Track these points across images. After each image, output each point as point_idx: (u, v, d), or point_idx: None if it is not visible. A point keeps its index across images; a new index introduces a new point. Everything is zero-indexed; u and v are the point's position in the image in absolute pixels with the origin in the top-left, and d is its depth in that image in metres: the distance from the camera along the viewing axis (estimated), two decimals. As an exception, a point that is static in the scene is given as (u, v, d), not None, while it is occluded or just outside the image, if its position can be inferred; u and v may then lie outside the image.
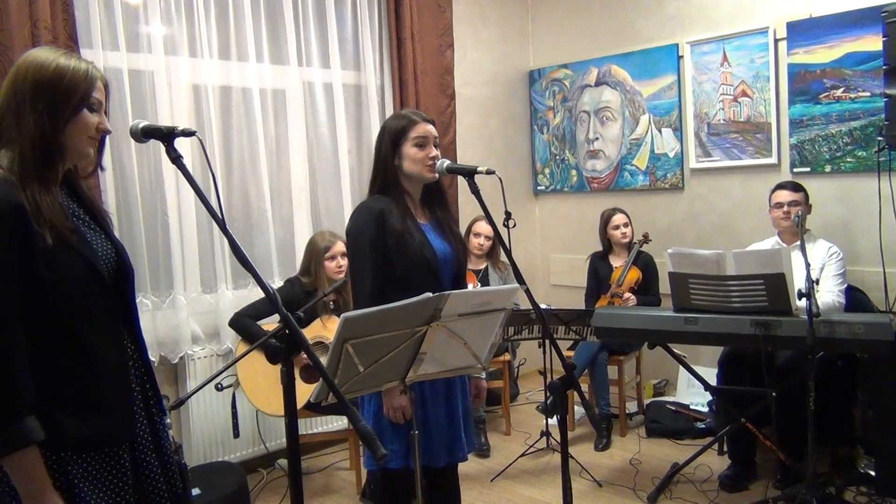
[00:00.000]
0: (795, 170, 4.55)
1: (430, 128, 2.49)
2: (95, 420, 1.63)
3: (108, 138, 1.77)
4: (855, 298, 3.95)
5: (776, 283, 3.25)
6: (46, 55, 1.65)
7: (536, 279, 6.05)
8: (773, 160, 4.67)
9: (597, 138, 5.66)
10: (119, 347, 1.71)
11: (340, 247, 3.93)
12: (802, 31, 4.44)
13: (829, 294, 3.72)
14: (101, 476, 1.65)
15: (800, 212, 3.76)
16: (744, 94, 4.78)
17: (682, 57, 5.07)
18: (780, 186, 4.00)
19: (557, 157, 5.95)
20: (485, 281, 4.61)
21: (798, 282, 3.22)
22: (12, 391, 1.51)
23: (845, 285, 3.83)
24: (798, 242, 3.59)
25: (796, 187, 3.94)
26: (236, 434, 3.82)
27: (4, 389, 1.50)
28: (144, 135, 1.71)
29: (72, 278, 1.60)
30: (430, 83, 5.01)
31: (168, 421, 1.91)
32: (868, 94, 4.22)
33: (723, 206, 4.99)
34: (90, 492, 1.61)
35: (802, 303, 3.11)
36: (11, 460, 1.50)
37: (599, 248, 4.91)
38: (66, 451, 1.59)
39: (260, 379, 3.73)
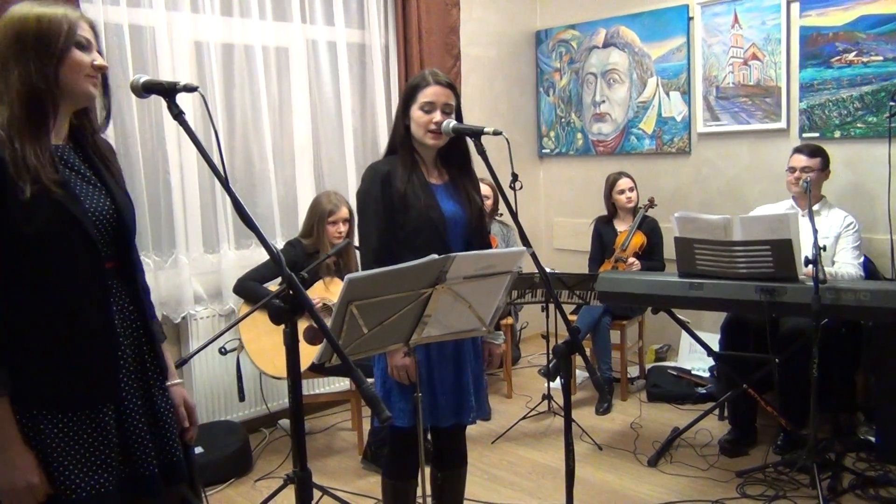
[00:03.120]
0: (805, 135, 4.50)
1: (443, 91, 2.41)
2: (70, 380, 1.60)
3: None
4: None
5: (783, 250, 3.22)
6: (22, 9, 1.63)
7: (540, 243, 6.03)
8: (782, 125, 4.62)
9: (603, 101, 5.59)
10: (103, 307, 1.66)
11: (344, 212, 3.89)
12: (816, -7, 4.36)
13: (847, 266, 3.69)
14: (80, 437, 1.62)
15: (808, 178, 3.71)
16: (754, 57, 4.70)
17: (692, 18, 4.98)
18: (796, 150, 3.94)
19: (563, 120, 5.89)
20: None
21: (807, 249, 3.19)
22: None
23: (862, 257, 3.80)
24: (814, 207, 3.57)
25: (813, 152, 3.87)
26: (242, 398, 3.82)
27: None
28: (146, 90, 1.66)
29: (51, 233, 1.57)
30: (434, 43, 4.93)
31: (178, 381, 1.90)
32: (881, 58, 4.15)
33: (730, 171, 4.95)
34: (63, 451, 1.59)
35: (809, 269, 3.09)
36: None
37: (604, 212, 4.88)
38: (39, 409, 1.57)
39: (263, 341, 3.72)
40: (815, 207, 3.70)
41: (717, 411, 4.12)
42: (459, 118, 2.49)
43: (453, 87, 2.47)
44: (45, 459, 1.57)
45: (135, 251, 1.78)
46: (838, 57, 4.32)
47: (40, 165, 1.55)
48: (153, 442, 1.74)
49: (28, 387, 1.56)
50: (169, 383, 1.87)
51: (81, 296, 1.62)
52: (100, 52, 1.69)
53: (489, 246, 2.65)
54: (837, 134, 4.38)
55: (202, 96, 1.66)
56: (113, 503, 1.64)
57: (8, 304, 1.55)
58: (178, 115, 1.63)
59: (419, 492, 2.47)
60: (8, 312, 1.55)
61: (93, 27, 1.69)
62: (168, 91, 1.64)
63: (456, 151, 2.53)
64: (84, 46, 1.64)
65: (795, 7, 4.48)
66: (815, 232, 3.17)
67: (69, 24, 1.62)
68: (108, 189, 1.72)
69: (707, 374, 4.67)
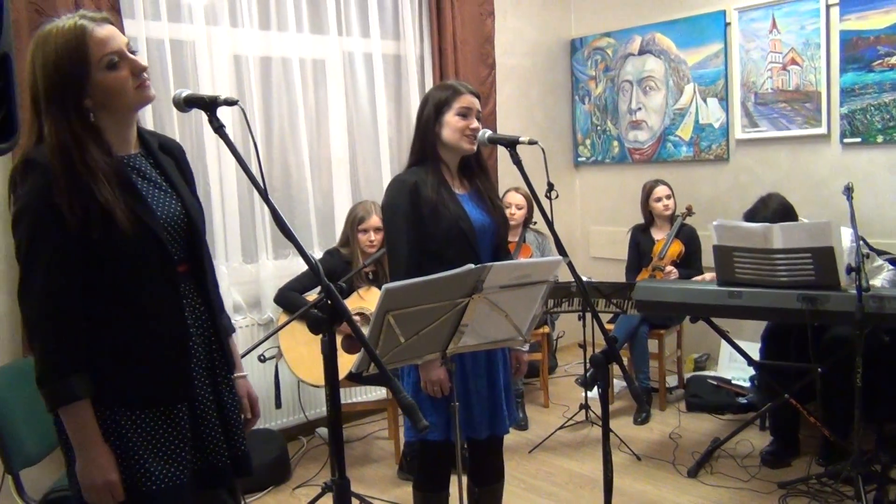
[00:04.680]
0: (846, 140, 4.42)
1: (475, 100, 2.47)
2: (148, 379, 1.68)
3: (150, 107, 1.80)
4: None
5: (824, 257, 3.17)
6: (44, 44, 1.61)
7: (576, 252, 6.00)
8: (822, 130, 4.54)
9: (639, 108, 5.56)
10: (176, 310, 1.73)
11: (375, 221, 3.90)
12: (856, -4, 4.29)
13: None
14: (156, 432, 1.69)
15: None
16: (793, 62, 4.64)
17: (729, 24, 4.93)
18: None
19: (599, 128, 5.86)
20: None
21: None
22: (59, 350, 1.59)
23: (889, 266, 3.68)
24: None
25: (774, 216, 3.56)
26: (278, 405, 3.86)
27: (52, 348, 1.59)
28: (187, 104, 1.71)
29: (126, 241, 1.63)
30: (469, 52, 4.95)
31: (243, 373, 1.98)
32: (925, 61, 4.07)
33: (769, 178, 4.87)
34: (143, 447, 1.66)
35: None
36: (63, 413, 1.60)
37: (641, 220, 4.85)
38: (119, 406, 1.65)
39: (302, 349, 3.76)
40: None
41: (758, 421, 4.06)
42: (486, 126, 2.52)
43: (479, 95, 2.54)
44: (125, 453, 1.65)
45: (205, 251, 1.84)
46: (880, 60, 4.24)
47: (100, 192, 1.60)
48: (223, 435, 1.81)
49: (108, 386, 1.64)
50: (236, 375, 1.96)
51: (156, 300, 1.70)
52: (130, 49, 1.68)
53: (509, 253, 2.66)
54: (880, 139, 4.30)
55: (242, 109, 1.69)
56: (187, 494, 1.72)
57: (89, 310, 1.63)
58: (218, 128, 1.67)
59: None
60: (89, 317, 1.63)
61: (109, 21, 1.67)
62: (209, 105, 1.68)
63: (475, 160, 2.57)
64: (115, 63, 1.64)
65: (835, 11, 4.41)
66: (858, 239, 3.12)
67: (79, 60, 1.60)
68: (179, 193, 1.78)
69: (748, 384, 4.59)
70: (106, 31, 1.64)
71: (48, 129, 1.60)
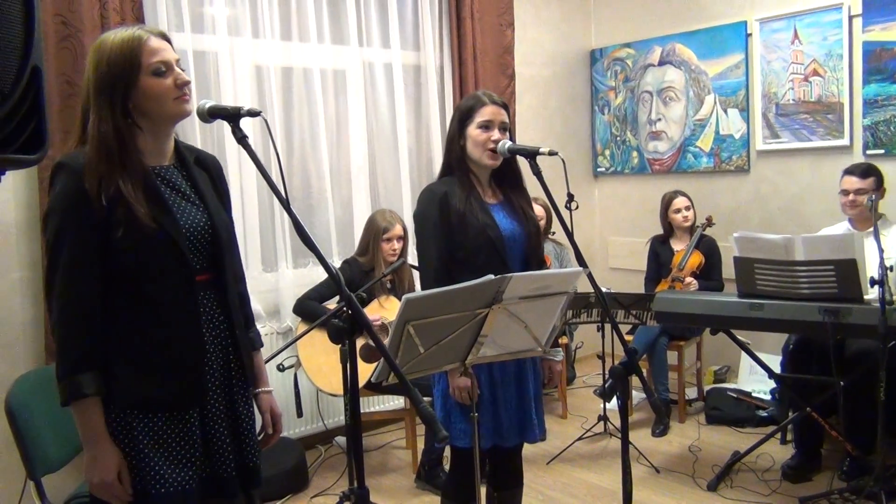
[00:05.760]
0: (869, 152, 4.38)
1: (498, 111, 2.46)
2: (161, 383, 1.71)
3: None
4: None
5: (847, 270, 3.14)
6: (101, 47, 1.72)
7: (595, 262, 5.98)
8: (844, 142, 4.51)
9: (659, 119, 5.54)
10: (193, 317, 1.76)
11: (398, 230, 3.92)
12: (879, 7, 4.25)
13: None
14: (167, 437, 1.72)
15: (872, 196, 3.59)
16: (815, 73, 4.61)
17: (750, 35, 4.91)
18: (847, 171, 3.79)
19: (618, 139, 5.85)
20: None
21: (871, 270, 3.10)
22: (72, 347, 1.65)
23: None
24: (871, 228, 3.46)
25: (866, 173, 3.72)
26: (300, 414, 3.87)
27: (66, 345, 1.65)
28: (211, 115, 1.74)
29: (146, 247, 1.68)
30: (489, 63, 4.96)
31: (269, 388, 2.00)
32: (949, 72, 4.03)
33: (791, 190, 4.85)
34: (153, 450, 1.69)
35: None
36: (73, 409, 1.66)
37: (660, 231, 4.83)
38: (131, 409, 1.69)
39: (320, 358, 3.77)
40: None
41: (779, 435, 4.02)
42: (511, 136, 2.51)
43: (506, 106, 2.52)
44: (136, 455, 1.68)
45: (230, 264, 1.87)
46: (903, 72, 4.21)
47: (126, 189, 1.66)
48: (232, 446, 1.83)
49: (122, 389, 1.68)
50: (260, 390, 1.99)
51: (172, 306, 1.73)
52: (178, 63, 1.77)
53: (544, 264, 2.65)
54: (903, 151, 4.26)
55: (264, 120, 1.72)
56: (193, 501, 1.74)
57: (107, 312, 1.68)
58: (241, 139, 1.69)
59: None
60: (107, 319, 1.68)
61: (164, 36, 1.78)
62: (233, 116, 1.71)
63: (508, 170, 2.55)
64: (162, 72, 1.72)
65: (858, 22, 4.38)
66: (881, 251, 3.08)
67: (131, 65, 1.69)
68: (207, 206, 1.81)
69: (768, 397, 4.55)
70: (160, 43, 1.75)
71: (92, 121, 1.68)
